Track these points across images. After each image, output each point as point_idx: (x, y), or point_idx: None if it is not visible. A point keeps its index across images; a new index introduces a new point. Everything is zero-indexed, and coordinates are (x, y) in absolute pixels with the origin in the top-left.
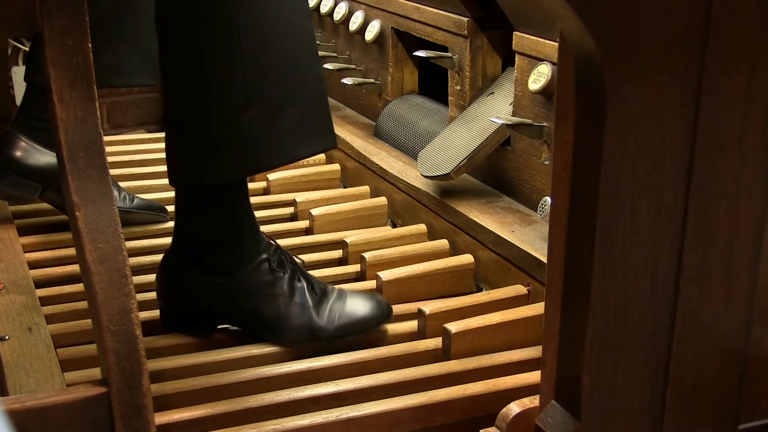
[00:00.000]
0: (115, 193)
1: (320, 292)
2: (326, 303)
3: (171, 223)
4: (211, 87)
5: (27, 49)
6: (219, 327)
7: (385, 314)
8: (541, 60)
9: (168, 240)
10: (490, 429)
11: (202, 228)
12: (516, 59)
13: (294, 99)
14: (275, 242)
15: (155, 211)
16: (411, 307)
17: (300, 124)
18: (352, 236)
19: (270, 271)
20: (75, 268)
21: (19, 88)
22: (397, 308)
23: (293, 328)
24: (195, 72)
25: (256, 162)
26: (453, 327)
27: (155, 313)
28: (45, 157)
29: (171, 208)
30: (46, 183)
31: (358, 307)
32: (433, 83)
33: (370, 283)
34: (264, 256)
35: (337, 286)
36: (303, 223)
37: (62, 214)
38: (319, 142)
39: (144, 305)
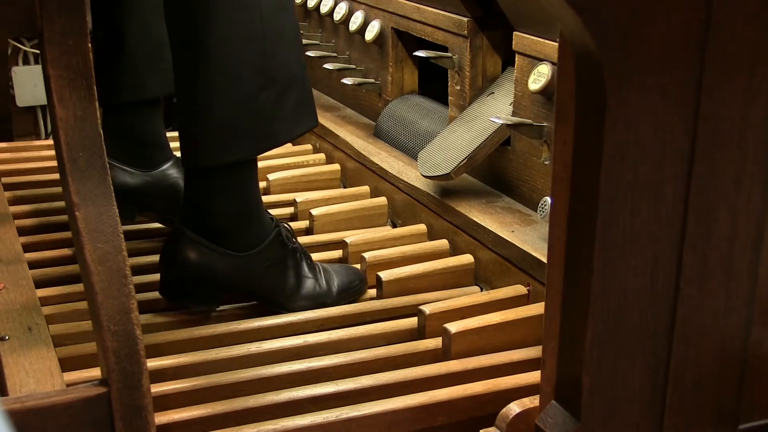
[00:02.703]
0: None
1: (311, 262)
2: (321, 272)
3: None
4: (235, 68)
5: (27, 49)
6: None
7: (362, 278)
8: (541, 60)
9: None
10: (490, 429)
11: (219, 206)
12: (516, 59)
13: (295, 81)
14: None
15: None
16: (411, 307)
17: (298, 103)
18: (352, 236)
19: (282, 244)
20: (75, 268)
21: (19, 88)
22: (397, 308)
23: (305, 296)
24: (218, 54)
25: (272, 138)
26: (453, 327)
27: (155, 312)
28: (135, 178)
29: None
30: (139, 204)
31: (343, 273)
32: (433, 83)
33: (370, 284)
34: (277, 229)
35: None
36: (303, 223)
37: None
38: (310, 121)
39: (144, 305)
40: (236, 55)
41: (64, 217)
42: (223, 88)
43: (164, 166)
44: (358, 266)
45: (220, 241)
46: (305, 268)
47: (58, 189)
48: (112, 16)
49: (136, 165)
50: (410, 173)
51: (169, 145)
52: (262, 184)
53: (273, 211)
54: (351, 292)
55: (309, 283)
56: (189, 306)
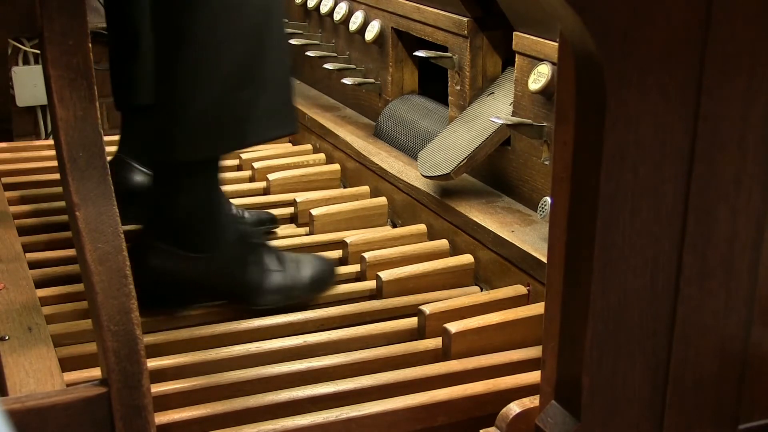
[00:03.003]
0: None
1: (279, 255)
2: (289, 264)
3: None
4: (218, 64)
5: (27, 49)
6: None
7: (332, 265)
8: (541, 60)
9: None
10: (490, 429)
11: (182, 205)
12: (516, 59)
13: (276, 83)
14: (240, 211)
15: (265, 224)
16: (411, 307)
17: (276, 106)
18: (352, 236)
19: (244, 241)
20: (75, 268)
21: (19, 87)
22: (397, 308)
23: (273, 290)
24: (201, 48)
25: (241, 139)
26: (453, 327)
27: (155, 313)
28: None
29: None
30: None
31: (312, 263)
32: (433, 83)
33: (370, 283)
34: (239, 227)
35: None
36: (303, 223)
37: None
38: (288, 126)
39: None
40: (220, 50)
41: (64, 217)
42: (204, 82)
43: None
44: (358, 266)
45: (184, 242)
46: (272, 262)
47: (58, 189)
48: (124, 19)
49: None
50: (410, 173)
51: None
52: (261, 184)
53: (273, 211)
54: (323, 281)
55: (277, 277)
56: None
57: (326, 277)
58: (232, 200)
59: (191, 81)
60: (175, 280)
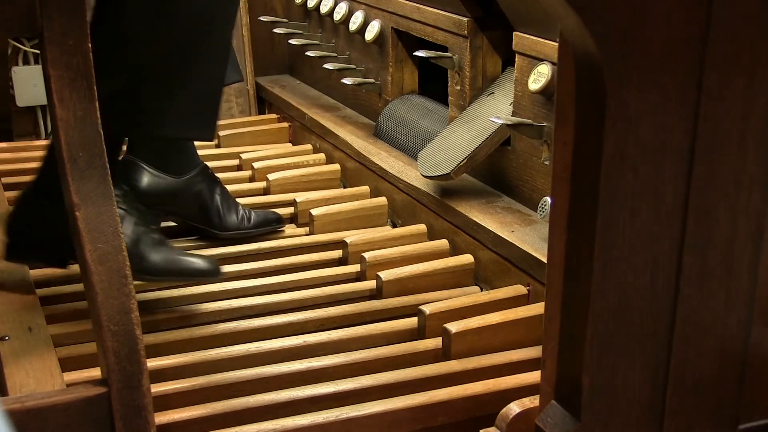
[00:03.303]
0: (233, 215)
1: (161, 237)
2: (165, 248)
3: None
4: (135, 51)
5: (27, 49)
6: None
7: (217, 270)
8: (541, 60)
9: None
10: (490, 429)
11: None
12: (516, 59)
13: (200, 87)
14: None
15: (272, 224)
16: (411, 307)
17: (197, 110)
18: (352, 236)
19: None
20: (75, 268)
21: (19, 88)
22: (397, 308)
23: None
24: (118, 34)
25: (152, 128)
26: (453, 327)
27: (155, 312)
28: (163, 182)
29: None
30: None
31: (195, 259)
32: (433, 83)
33: (370, 283)
34: (135, 205)
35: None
36: (303, 223)
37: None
38: (205, 132)
39: (144, 305)
40: (144, 39)
41: None
42: (121, 64)
43: (191, 173)
44: (358, 266)
45: (56, 198)
46: (149, 240)
47: None
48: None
49: (165, 170)
50: (410, 173)
51: (196, 152)
52: (261, 184)
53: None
54: (191, 274)
55: (149, 254)
56: (40, 266)
57: (204, 275)
58: None
59: (109, 59)
60: (50, 233)
